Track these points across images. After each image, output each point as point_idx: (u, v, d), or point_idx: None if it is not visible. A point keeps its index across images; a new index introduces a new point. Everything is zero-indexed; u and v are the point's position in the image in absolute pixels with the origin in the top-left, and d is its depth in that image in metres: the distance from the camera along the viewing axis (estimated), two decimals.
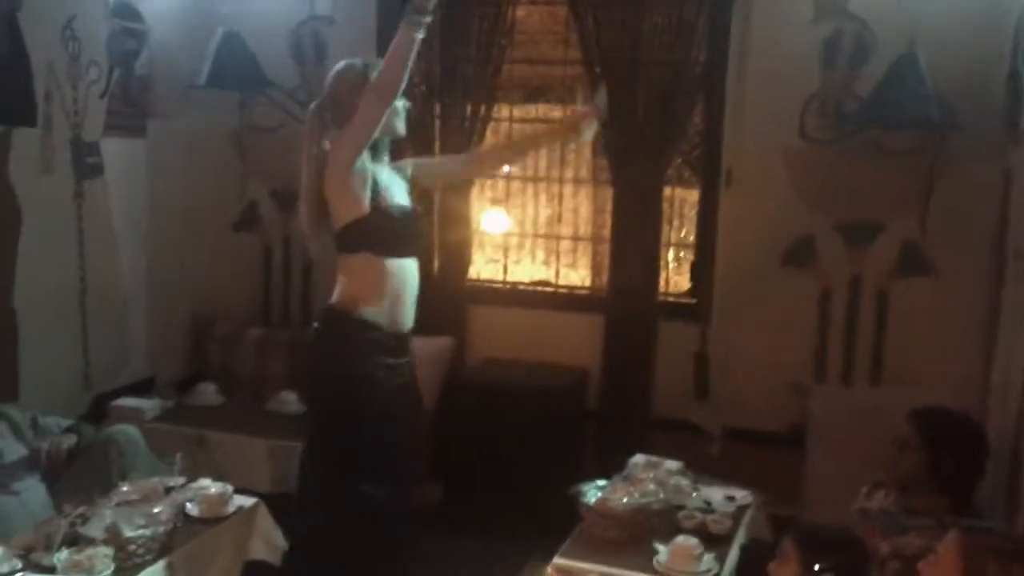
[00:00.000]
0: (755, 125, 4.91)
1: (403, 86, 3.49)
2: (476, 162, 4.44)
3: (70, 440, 3.86)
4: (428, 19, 3.37)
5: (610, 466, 4.05)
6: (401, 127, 3.73)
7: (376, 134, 3.54)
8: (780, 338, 4.96)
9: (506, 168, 3.94)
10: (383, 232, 3.60)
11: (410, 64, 3.44)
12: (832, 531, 3.07)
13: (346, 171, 3.55)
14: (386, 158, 3.75)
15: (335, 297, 3.65)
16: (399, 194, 3.72)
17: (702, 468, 4.24)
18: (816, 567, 2.79)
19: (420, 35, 3.38)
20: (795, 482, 4.69)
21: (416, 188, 3.87)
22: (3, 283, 4.48)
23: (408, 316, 3.70)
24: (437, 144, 5.37)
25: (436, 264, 5.41)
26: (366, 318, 3.58)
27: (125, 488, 3.45)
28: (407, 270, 3.67)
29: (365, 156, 3.57)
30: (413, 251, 3.72)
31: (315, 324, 3.76)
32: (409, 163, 3.94)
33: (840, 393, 4.86)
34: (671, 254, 5.51)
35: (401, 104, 3.67)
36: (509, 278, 5.71)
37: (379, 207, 3.59)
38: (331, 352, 3.67)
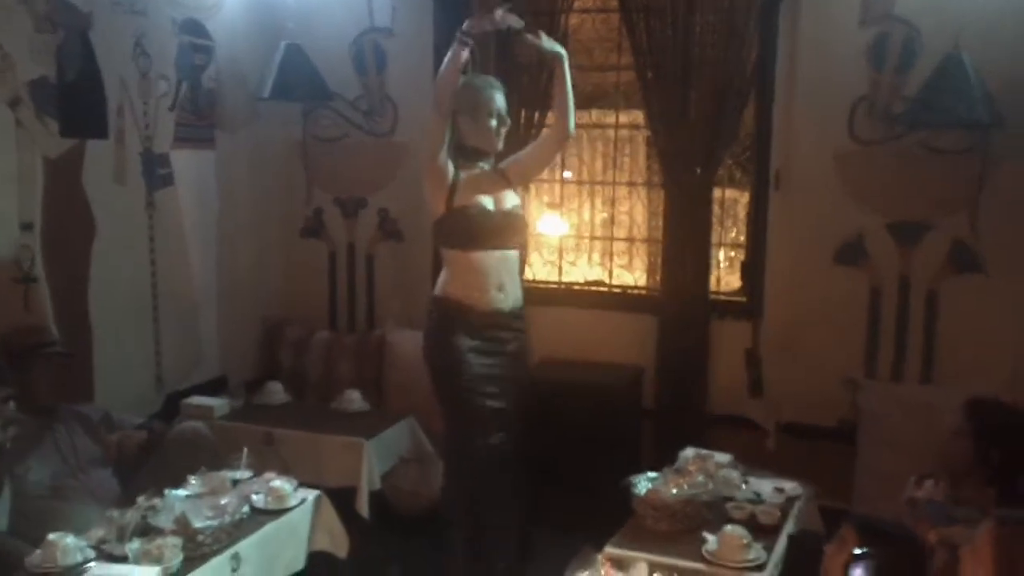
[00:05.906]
0: (804, 127, 4.97)
1: (451, 98, 3.86)
2: (554, 125, 4.22)
3: (141, 436, 3.98)
4: (471, 41, 3.77)
5: (667, 462, 4.09)
6: (482, 140, 4.04)
7: (445, 140, 3.92)
8: (832, 334, 5.00)
9: (571, 117, 4.10)
10: (459, 230, 3.97)
11: (457, 78, 3.84)
12: (893, 526, 3.12)
13: (423, 172, 4.03)
14: (484, 163, 4.10)
15: (438, 288, 4.08)
16: (483, 195, 4.00)
17: (757, 462, 4.31)
18: (857, 551, 2.85)
19: (466, 53, 3.79)
20: (847, 475, 4.78)
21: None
22: (78, 289, 4.66)
23: (499, 299, 4.03)
24: None
25: None
26: (460, 302, 3.98)
27: (194, 481, 3.55)
28: (497, 261, 4.01)
29: (448, 160, 3.95)
30: (498, 245, 4.02)
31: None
32: (509, 162, 4.20)
33: (890, 389, 4.88)
34: (722, 254, 5.59)
35: (489, 121, 4.01)
36: (564, 279, 5.79)
37: (455, 207, 3.94)
38: (435, 333, 4.07)
